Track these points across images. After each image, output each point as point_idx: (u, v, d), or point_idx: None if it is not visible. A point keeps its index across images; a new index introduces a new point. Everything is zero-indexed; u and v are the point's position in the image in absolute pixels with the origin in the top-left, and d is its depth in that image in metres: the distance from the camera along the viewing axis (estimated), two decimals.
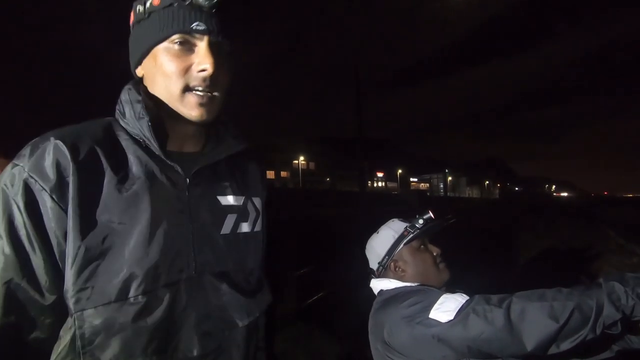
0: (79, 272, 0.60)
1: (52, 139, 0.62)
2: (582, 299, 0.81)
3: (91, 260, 0.60)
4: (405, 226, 1.21)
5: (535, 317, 0.82)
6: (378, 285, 1.19)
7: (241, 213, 0.76)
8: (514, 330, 0.83)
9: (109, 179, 0.63)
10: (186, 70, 0.67)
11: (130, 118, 0.68)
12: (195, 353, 0.66)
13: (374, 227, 1.29)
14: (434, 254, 1.20)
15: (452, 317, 0.91)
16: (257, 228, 0.79)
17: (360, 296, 1.39)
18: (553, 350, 0.82)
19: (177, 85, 0.67)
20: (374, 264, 1.24)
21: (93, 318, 0.60)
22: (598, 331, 0.79)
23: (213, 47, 0.67)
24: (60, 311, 0.62)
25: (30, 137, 0.65)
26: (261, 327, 0.78)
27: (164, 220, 0.65)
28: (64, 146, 0.62)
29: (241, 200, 0.77)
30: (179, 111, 0.68)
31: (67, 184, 0.61)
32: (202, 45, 0.67)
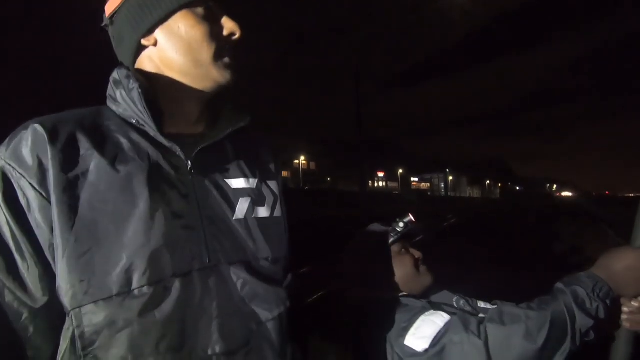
0: (72, 265, 0.54)
1: (30, 125, 0.59)
2: (554, 312, 0.79)
3: (84, 250, 0.55)
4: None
5: (513, 342, 0.80)
6: None
7: (256, 196, 0.69)
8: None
9: (97, 162, 0.58)
10: (216, 35, 0.66)
11: (121, 98, 0.63)
12: (218, 350, 0.59)
13: None
14: (416, 257, 1.16)
15: (427, 346, 0.87)
16: (277, 213, 0.72)
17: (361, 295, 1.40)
18: None
19: (209, 51, 0.65)
20: None
21: (93, 315, 0.54)
22: (578, 341, 0.79)
23: (231, 14, 0.68)
24: (56, 315, 0.57)
25: None
26: (291, 318, 0.70)
27: (165, 205, 0.60)
28: (43, 130, 0.58)
29: (254, 183, 0.70)
30: (204, 79, 0.67)
31: (47, 169, 0.56)
32: (222, 13, 0.67)
